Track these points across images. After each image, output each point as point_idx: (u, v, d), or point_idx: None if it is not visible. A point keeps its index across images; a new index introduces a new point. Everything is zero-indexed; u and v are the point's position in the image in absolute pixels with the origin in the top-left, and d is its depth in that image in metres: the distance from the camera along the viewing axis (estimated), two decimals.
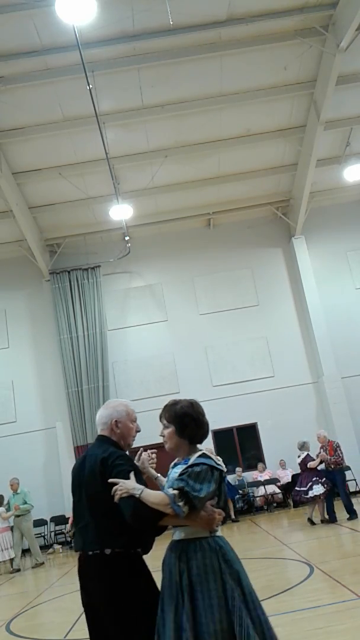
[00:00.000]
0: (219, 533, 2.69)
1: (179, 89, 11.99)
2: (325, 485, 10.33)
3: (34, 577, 11.03)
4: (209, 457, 2.70)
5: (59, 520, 14.75)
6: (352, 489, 14.24)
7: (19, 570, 11.61)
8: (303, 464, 10.88)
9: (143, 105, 12.21)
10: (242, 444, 15.52)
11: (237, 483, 14.69)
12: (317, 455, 10.78)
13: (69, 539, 14.26)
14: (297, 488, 11.09)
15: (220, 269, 16.35)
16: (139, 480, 2.67)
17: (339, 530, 9.57)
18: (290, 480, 14.10)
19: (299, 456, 11.07)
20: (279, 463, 14.88)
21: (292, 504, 13.77)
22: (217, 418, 15.13)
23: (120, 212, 14.25)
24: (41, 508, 14.57)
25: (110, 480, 2.64)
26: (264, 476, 14.69)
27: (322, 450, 10.73)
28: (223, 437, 15.18)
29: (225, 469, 2.76)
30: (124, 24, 10.19)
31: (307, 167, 14.04)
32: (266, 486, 14.38)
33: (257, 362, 15.69)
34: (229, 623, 2.48)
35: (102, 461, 2.77)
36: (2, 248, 16.04)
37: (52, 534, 14.75)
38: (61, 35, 9.88)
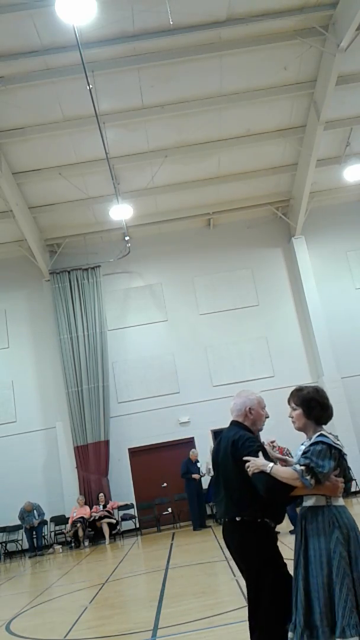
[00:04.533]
0: (340, 502, 3.06)
1: (179, 89, 11.98)
2: None
3: (34, 577, 11.03)
4: (327, 437, 3.05)
5: (59, 520, 14.76)
6: (352, 489, 14.26)
7: None
8: None
9: (143, 105, 12.21)
10: None
11: None
12: None
13: (69, 539, 14.27)
14: None
15: (220, 269, 16.35)
16: (267, 458, 3.13)
17: None
18: None
19: None
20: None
21: None
22: (217, 418, 15.03)
23: (120, 212, 14.25)
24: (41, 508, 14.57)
25: (244, 457, 3.09)
26: None
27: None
28: None
29: (343, 447, 3.10)
30: (124, 24, 10.19)
31: (307, 167, 14.04)
32: None
33: (257, 362, 15.68)
34: (333, 579, 2.87)
35: (232, 443, 3.26)
36: (2, 248, 16.04)
37: (52, 534, 14.76)
38: (61, 35, 9.88)
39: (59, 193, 14.41)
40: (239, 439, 3.25)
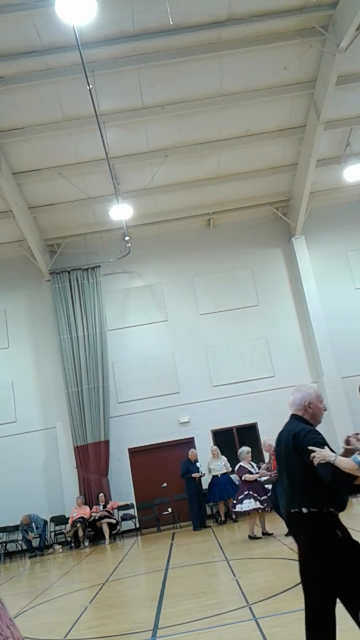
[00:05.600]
0: None
1: (179, 89, 11.98)
2: (258, 501, 9.78)
3: (34, 577, 11.03)
4: None
5: (59, 520, 14.75)
6: None
7: None
8: (238, 474, 10.37)
9: (143, 105, 12.21)
10: (242, 444, 15.42)
11: (238, 483, 14.67)
12: (260, 467, 10.26)
13: (69, 539, 14.27)
14: (233, 501, 10.60)
15: (220, 269, 16.35)
16: (331, 450, 3.22)
17: None
18: None
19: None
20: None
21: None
22: (217, 418, 15.17)
23: (120, 212, 14.25)
24: (41, 508, 14.60)
25: (310, 447, 3.20)
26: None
27: (268, 463, 9.97)
28: (223, 437, 15.17)
29: None
30: (124, 24, 10.19)
31: (307, 167, 14.04)
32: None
33: (257, 362, 15.68)
34: None
35: (294, 436, 3.38)
36: (2, 248, 16.05)
37: (52, 534, 14.75)
38: (61, 35, 9.88)
39: (59, 193, 14.41)
40: (300, 431, 3.37)
